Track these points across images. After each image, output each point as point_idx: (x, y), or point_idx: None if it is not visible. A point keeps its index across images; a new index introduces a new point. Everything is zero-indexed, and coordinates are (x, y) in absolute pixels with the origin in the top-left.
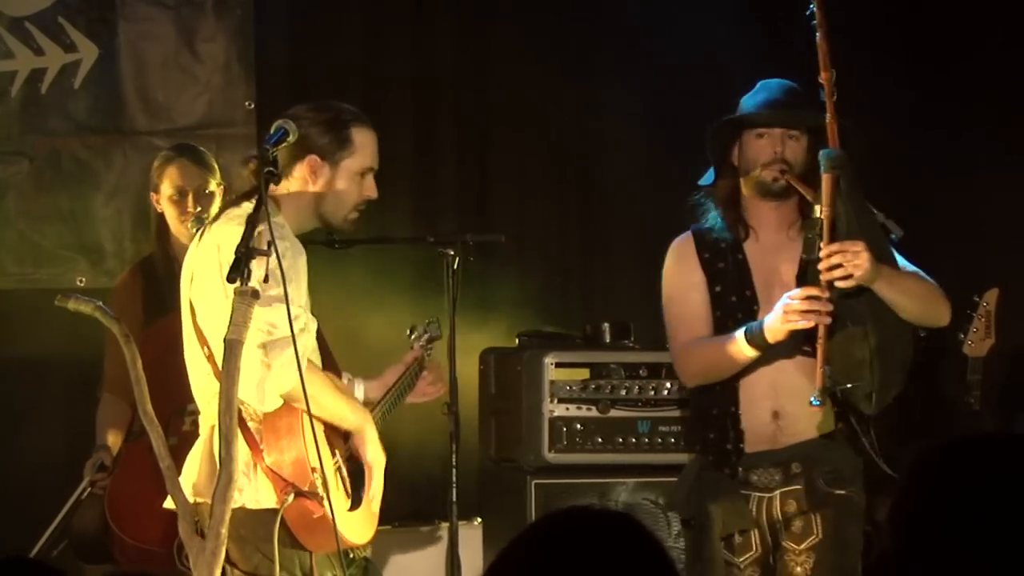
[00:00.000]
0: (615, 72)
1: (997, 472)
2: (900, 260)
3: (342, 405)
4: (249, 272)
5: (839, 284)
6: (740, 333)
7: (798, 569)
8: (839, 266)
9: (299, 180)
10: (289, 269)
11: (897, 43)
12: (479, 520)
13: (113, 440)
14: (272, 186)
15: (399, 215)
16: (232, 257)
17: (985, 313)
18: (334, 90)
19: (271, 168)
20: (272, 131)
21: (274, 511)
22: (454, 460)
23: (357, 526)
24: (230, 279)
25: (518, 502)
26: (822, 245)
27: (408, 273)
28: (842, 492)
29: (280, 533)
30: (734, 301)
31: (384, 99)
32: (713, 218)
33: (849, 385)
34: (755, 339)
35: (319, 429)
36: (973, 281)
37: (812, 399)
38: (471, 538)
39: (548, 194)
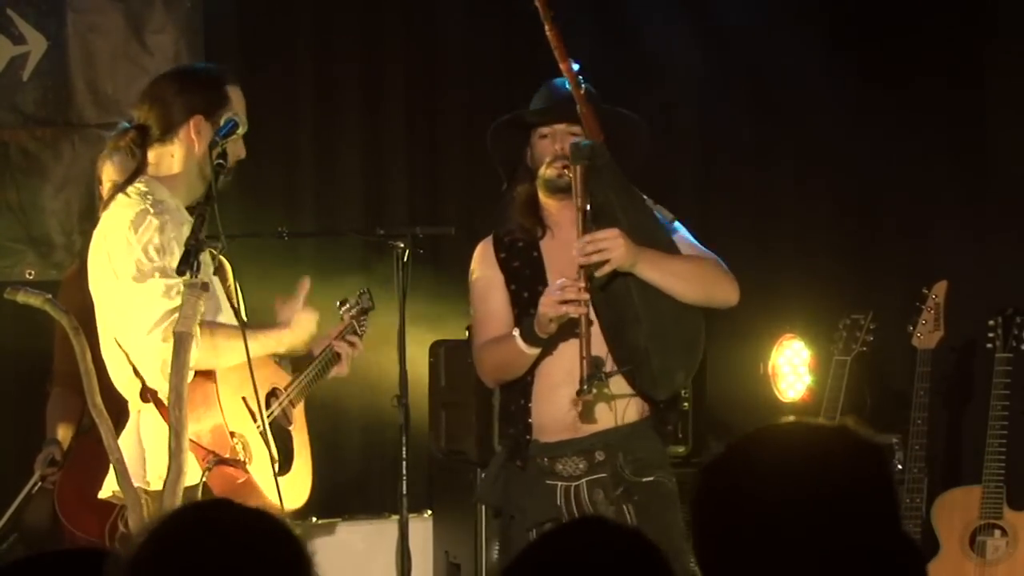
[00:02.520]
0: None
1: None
2: (691, 241)
3: (253, 342)
4: (198, 265)
5: (597, 273)
6: (516, 331)
7: None
8: (598, 252)
9: (183, 144)
10: (171, 242)
11: (847, 38)
12: (429, 512)
13: (63, 434)
14: (152, 163)
15: (349, 207)
16: (116, 244)
17: (934, 305)
18: (283, 82)
19: (221, 160)
20: (222, 123)
21: (200, 486)
22: (404, 453)
23: (285, 491)
24: (179, 272)
25: (468, 495)
26: (579, 235)
27: (358, 266)
28: (650, 479)
29: None
30: (526, 297)
31: (334, 92)
32: (511, 220)
33: (607, 370)
34: (528, 336)
35: (237, 396)
36: (922, 274)
37: (577, 390)
38: (421, 530)
39: (498, 186)
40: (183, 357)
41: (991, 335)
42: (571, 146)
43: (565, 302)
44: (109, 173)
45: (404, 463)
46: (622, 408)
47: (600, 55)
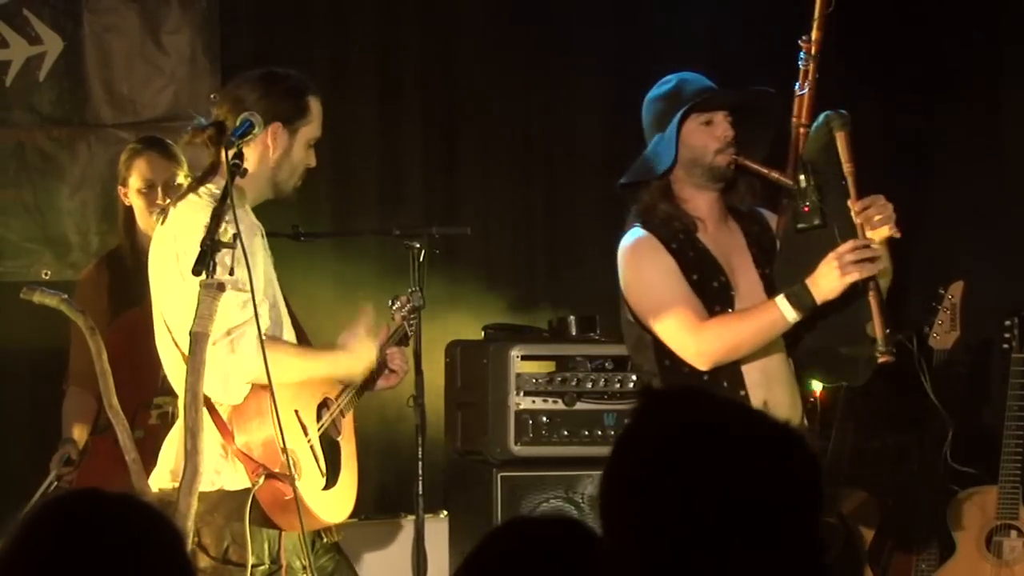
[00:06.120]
0: (583, 65)
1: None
2: None
3: (312, 363)
4: (214, 265)
5: (894, 234)
6: (780, 298)
7: None
8: (887, 217)
9: (259, 148)
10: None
11: (857, 36)
12: (445, 513)
13: (79, 433)
14: (222, 162)
15: (365, 208)
16: (188, 245)
17: (950, 306)
18: None
19: (237, 161)
20: (238, 123)
21: (247, 490)
22: (420, 453)
23: (332, 505)
24: (195, 272)
25: (484, 495)
26: (851, 203)
27: (374, 266)
28: None
29: (252, 512)
30: (715, 287)
31: (350, 92)
32: (663, 212)
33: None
34: (801, 300)
35: (290, 410)
36: (938, 274)
37: (877, 350)
38: (437, 531)
39: (514, 187)
40: (199, 357)
41: (1007, 335)
42: (832, 116)
43: (863, 261)
44: (141, 171)
45: (420, 463)
46: (796, 413)
47: (598, 49)
